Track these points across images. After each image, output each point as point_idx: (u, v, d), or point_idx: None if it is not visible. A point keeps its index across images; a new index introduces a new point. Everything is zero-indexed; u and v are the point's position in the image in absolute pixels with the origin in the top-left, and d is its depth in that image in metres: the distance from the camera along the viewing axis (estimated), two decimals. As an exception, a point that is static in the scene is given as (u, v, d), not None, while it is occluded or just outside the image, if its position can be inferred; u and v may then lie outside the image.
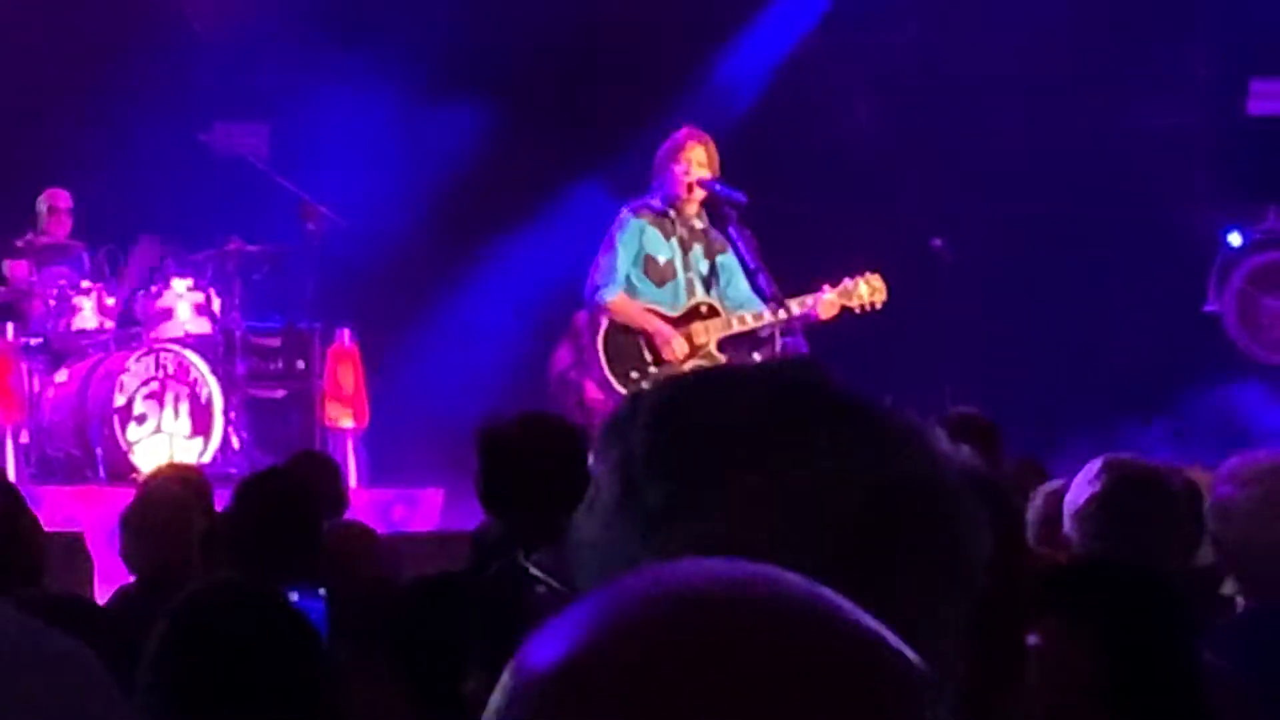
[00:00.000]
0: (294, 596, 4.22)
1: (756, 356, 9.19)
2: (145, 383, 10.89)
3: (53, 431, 11.03)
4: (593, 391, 9.33)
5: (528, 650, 0.95)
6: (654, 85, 12.97)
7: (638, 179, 9.69)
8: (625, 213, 9.39)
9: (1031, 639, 3.05)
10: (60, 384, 11.06)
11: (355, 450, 11.66)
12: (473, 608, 4.10)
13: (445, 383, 12.20)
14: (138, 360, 10.90)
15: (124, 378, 10.81)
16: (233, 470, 10.56)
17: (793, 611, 0.95)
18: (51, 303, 11.14)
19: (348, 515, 7.05)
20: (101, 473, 10.70)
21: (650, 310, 9.32)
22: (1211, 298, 13.20)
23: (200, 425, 11.00)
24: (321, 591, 4.79)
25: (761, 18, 13.88)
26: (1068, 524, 4.54)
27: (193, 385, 10.99)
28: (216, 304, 11.39)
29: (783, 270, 9.32)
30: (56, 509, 9.54)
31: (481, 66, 13.06)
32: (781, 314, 9.20)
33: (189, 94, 12.90)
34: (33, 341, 11.16)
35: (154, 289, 11.28)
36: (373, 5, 13.26)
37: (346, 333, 11.80)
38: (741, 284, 9.40)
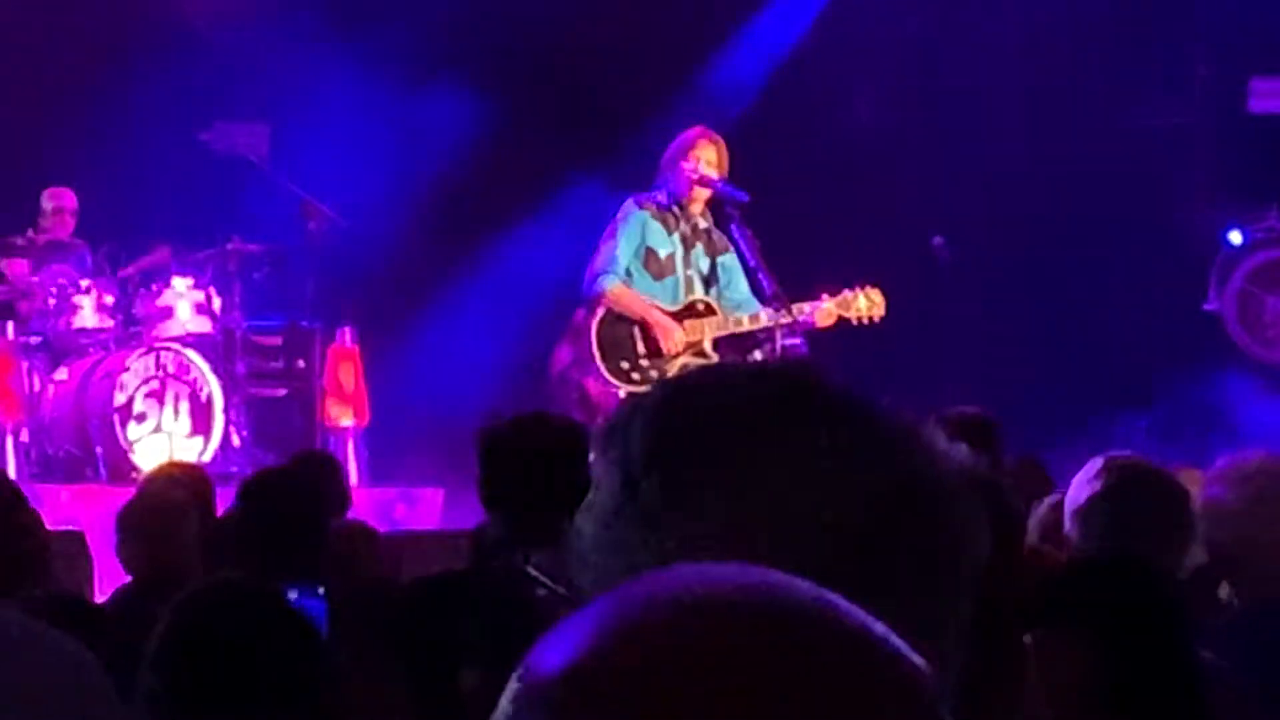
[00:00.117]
0: (293, 595, 4.23)
1: (757, 355, 9.20)
2: (145, 381, 10.89)
3: (53, 430, 11.03)
4: (594, 389, 9.34)
5: (534, 655, 0.95)
6: (654, 84, 12.97)
7: (639, 178, 9.70)
8: (629, 204, 9.41)
9: (1031, 639, 3.05)
10: (60, 383, 11.06)
11: (356, 449, 11.67)
12: (473, 607, 4.10)
13: (446, 382, 12.19)
14: (138, 359, 10.90)
15: (124, 376, 10.82)
16: (233, 469, 10.57)
17: (796, 615, 0.95)
18: (51, 301, 11.14)
19: (348, 514, 7.05)
20: (102, 472, 10.71)
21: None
22: (1212, 296, 13.20)
23: (200, 424, 11.00)
24: (321, 590, 4.80)
25: (761, 17, 13.88)
26: (1068, 523, 4.54)
27: (193, 384, 10.99)
28: (217, 303, 11.39)
29: (783, 270, 9.32)
30: (56, 508, 9.55)
31: (482, 66, 13.06)
32: (779, 318, 9.21)
33: (189, 93, 12.90)
34: (33, 340, 11.16)
35: (154, 288, 11.28)
36: (373, 4, 13.26)
37: (347, 332, 11.81)
38: (741, 285, 9.41)
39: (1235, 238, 13.22)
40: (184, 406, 10.95)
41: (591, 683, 0.92)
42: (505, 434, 5.14)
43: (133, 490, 7.10)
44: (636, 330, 9.33)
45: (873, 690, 0.93)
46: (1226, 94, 13.55)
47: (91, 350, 11.12)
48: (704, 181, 9.29)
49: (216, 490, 7.13)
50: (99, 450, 10.74)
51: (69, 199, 11.72)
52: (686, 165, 9.30)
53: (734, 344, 9.37)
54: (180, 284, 11.29)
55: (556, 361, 9.76)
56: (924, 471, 1.33)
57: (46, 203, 11.68)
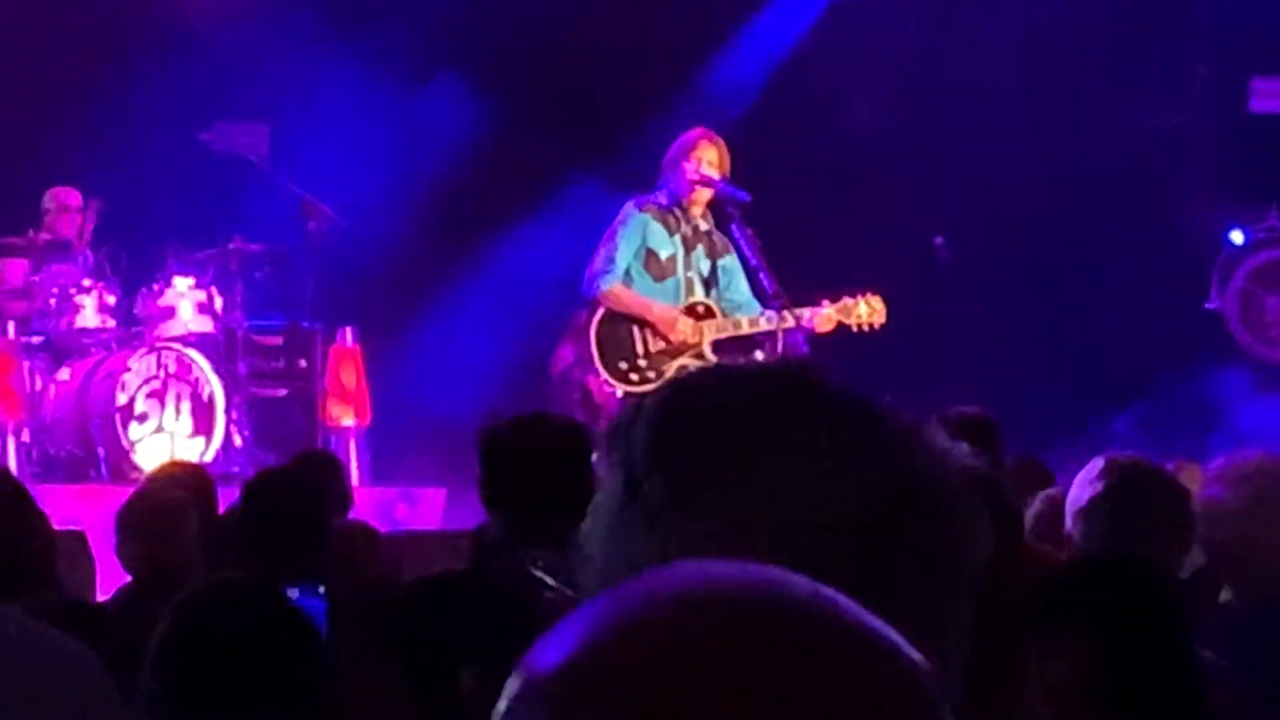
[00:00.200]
0: (294, 594, 4.23)
1: (759, 355, 9.20)
2: (147, 381, 10.89)
3: (54, 430, 11.03)
4: (596, 389, 9.34)
5: (533, 653, 0.95)
6: (654, 84, 12.97)
7: (639, 178, 9.70)
8: (630, 206, 9.42)
9: (1031, 639, 3.05)
10: (62, 382, 11.05)
11: (357, 449, 11.67)
12: (473, 607, 4.10)
13: (447, 381, 12.20)
14: (140, 359, 10.90)
15: (126, 376, 10.82)
16: (235, 469, 10.57)
17: (797, 612, 0.95)
18: (53, 301, 11.13)
19: (350, 514, 7.05)
20: (103, 472, 10.71)
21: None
22: (1213, 296, 13.20)
23: (202, 424, 11.00)
24: (321, 589, 4.80)
25: (761, 17, 13.88)
26: (1069, 523, 4.54)
27: (194, 384, 10.99)
28: (218, 303, 11.38)
29: (783, 271, 9.33)
30: (58, 508, 9.51)
31: (482, 66, 13.07)
32: (779, 322, 9.21)
33: (190, 93, 12.90)
34: (34, 340, 11.16)
35: (155, 287, 11.28)
36: (373, 4, 13.26)
37: (348, 331, 11.81)
38: (742, 287, 9.41)
39: (1236, 237, 13.22)
40: (185, 406, 10.95)
41: (591, 680, 0.93)
42: (506, 434, 5.14)
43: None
44: (636, 331, 9.34)
45: (873, 687, 0.93)
46: (1227, 94, 13.55)
47: (93, 350, 11.12)
48: (705, 182, 9.29)
49: (218, 490, 7.13)
50: (100, 450, 10.74)
51: (75, 199, 11.71)
52: (688, 166, 9.30)
53: (734, 346, 9.37)
54: (182, 284, 11.29)
55: (558, 361, 9.76)
56: (925, 471, 1.34)
57: (50, 202, 11.68)
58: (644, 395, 1.40)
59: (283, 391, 12.01)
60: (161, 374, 10.94)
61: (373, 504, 10.12)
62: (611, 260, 9.31)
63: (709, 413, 1.35)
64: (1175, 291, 13.09)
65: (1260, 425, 11.87)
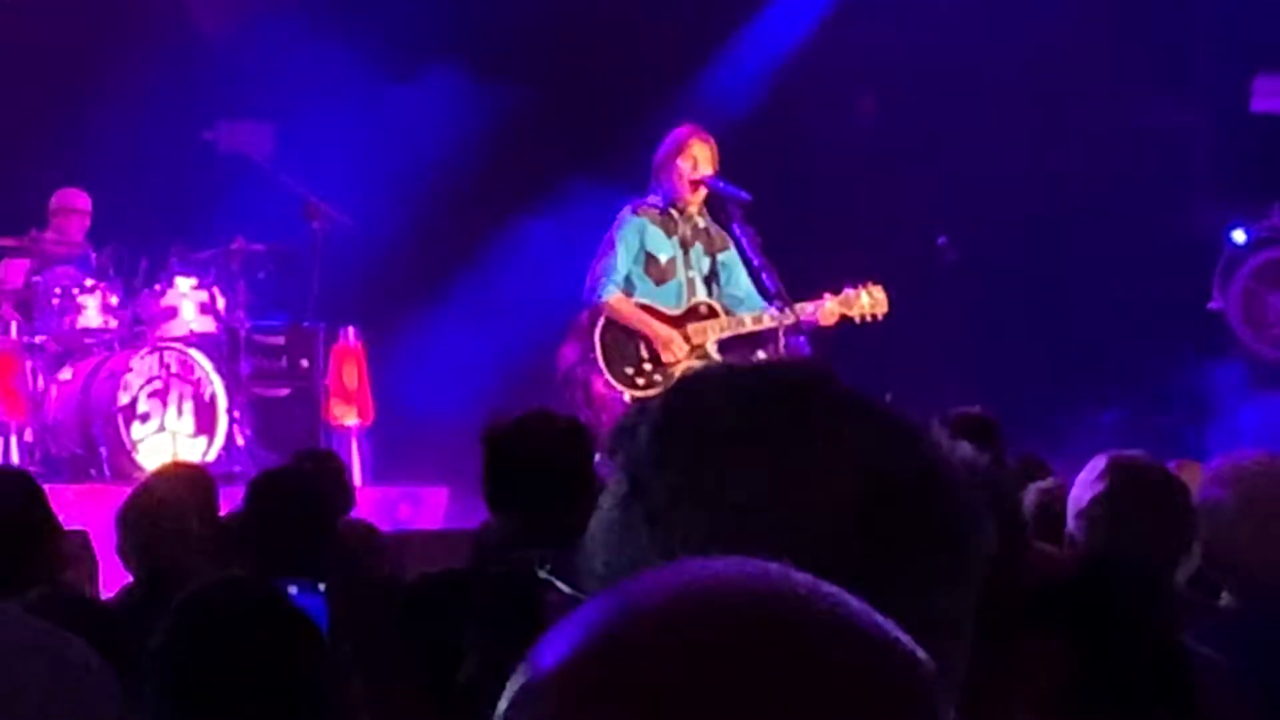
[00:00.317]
0: (293, 590, 4.23)
1: (761, 354, 9.20)
2: (149, 381, 10.89)
3: (57, 430, 11.03)
4: (600, 388, 9.33)
5: (536, 652, 0.96)
6: (654, 84, 12.97)
7: (641, 177, 9.69)
8: (626, 211, 9.39)
9: (1028, 639, 3.05)
10: (64, 382, 11.06)
11: (360, 448, 11.67)
12: (476, 606, 4.10)
13: (450, 381, 12.20)
14: (142, 359, 10.90)
15: (128, 376, 10.82)
16: (237, 469, 10.57)
17: (800, 610, 0.95)
18: (56, 301, 11.14)
19: (352, 513, 7.05)
20: (105, 471, 10.71)
21: (648, 309, 9.32)
22: (1216, 295, 13.19)
23: (204, 424, 11.00)
24: (321, 587, 4.80)
25: (762, 17, 13.88)
26: (1072, 522, 4.53)
27: (197, 384, 11.00)
28: (221, 302, 11.38)
29: (785, 271, 9.32)
30: (60, 508, 9.48)
31: (483, 67, 13.06)
32: (782, 318, 9.20)
33: (193, 93, 12.91)
34: (37, 340, 11.16)
35: (158, 287, 11.28)
36: (376, 5, 13.26)
37: (351, 331, 11.81)
38: (743, 280, 9.39)
39: (1239, 237, 13.21)
40: (188, 406, 10.95)
41: (592, 678, 0.93)
42: (509, 433, 5.15)
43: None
44: (640, 339, 9.32)
45: (875, 684, 0.94)
46: (1229, 93, 13.54)
47: (96, 350, 11.13)
48: (706, 183, 9.26)
49: (220, 490, 7.13)
50: (103, 450, 10.75)
51: (82, 200, 11.72)
52: (683, 167, 9.26)
53: (738, 345, 9.36)
54: (184, 284, 11.29)
55: (562, 360, 9.76)
56: (927, 468, 1.34)
57: (56, 203, 11.68)
58: (650, 396, 1.41)
59: (285, 391, 12.01)
60: (164, 374, 10.95)
61: (375, 503, 10.12)
62: (610, 269, 9.29)
63: (712, 411, 1.35)
64: (1177, 291, 13.09)
65: (1263, 424, 11.87)
